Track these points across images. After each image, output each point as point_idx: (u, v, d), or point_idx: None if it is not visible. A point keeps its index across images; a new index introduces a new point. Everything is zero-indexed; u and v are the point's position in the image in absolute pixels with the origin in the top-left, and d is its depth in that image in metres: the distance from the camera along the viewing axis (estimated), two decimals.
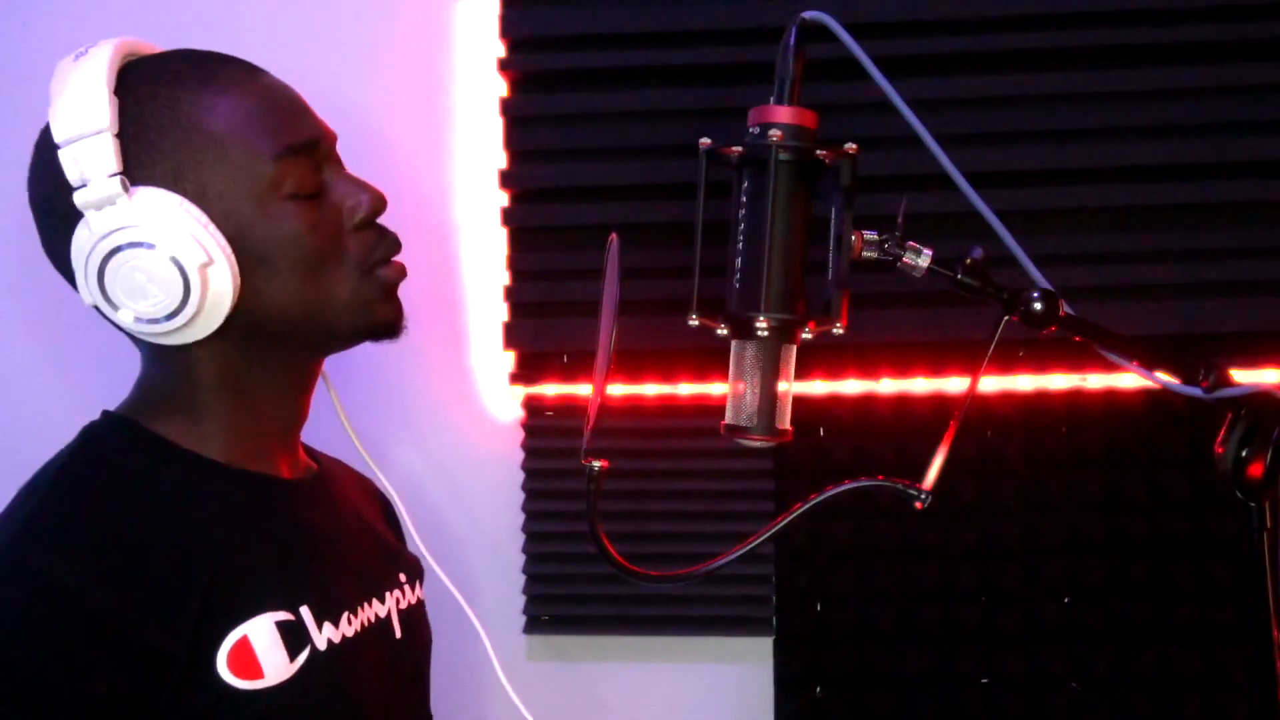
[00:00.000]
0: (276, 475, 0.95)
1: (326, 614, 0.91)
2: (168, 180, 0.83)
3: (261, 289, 0.87)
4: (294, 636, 0.87)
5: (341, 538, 1.00)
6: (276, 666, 0.84)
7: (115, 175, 0.81)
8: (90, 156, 0.81)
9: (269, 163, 0.86)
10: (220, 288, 0.84)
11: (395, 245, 0.94)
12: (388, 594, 1.02)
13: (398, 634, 1.01)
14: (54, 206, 0.85)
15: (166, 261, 0.82)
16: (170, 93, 0.85)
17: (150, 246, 0.82)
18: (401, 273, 0.94)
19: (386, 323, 0.94)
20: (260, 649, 0.84)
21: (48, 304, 1.51)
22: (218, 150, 0.85)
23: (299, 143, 0.88)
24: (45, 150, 0.84)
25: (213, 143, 0.85)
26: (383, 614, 1.00)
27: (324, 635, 0.89)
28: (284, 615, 0.87)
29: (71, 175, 0.81)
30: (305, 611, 0.89)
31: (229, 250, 0.84)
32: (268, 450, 0.94)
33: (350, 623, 0.93)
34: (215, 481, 0.89)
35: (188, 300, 0.83)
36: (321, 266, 0.89)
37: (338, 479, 1.07)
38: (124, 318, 0.84)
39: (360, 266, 0.91)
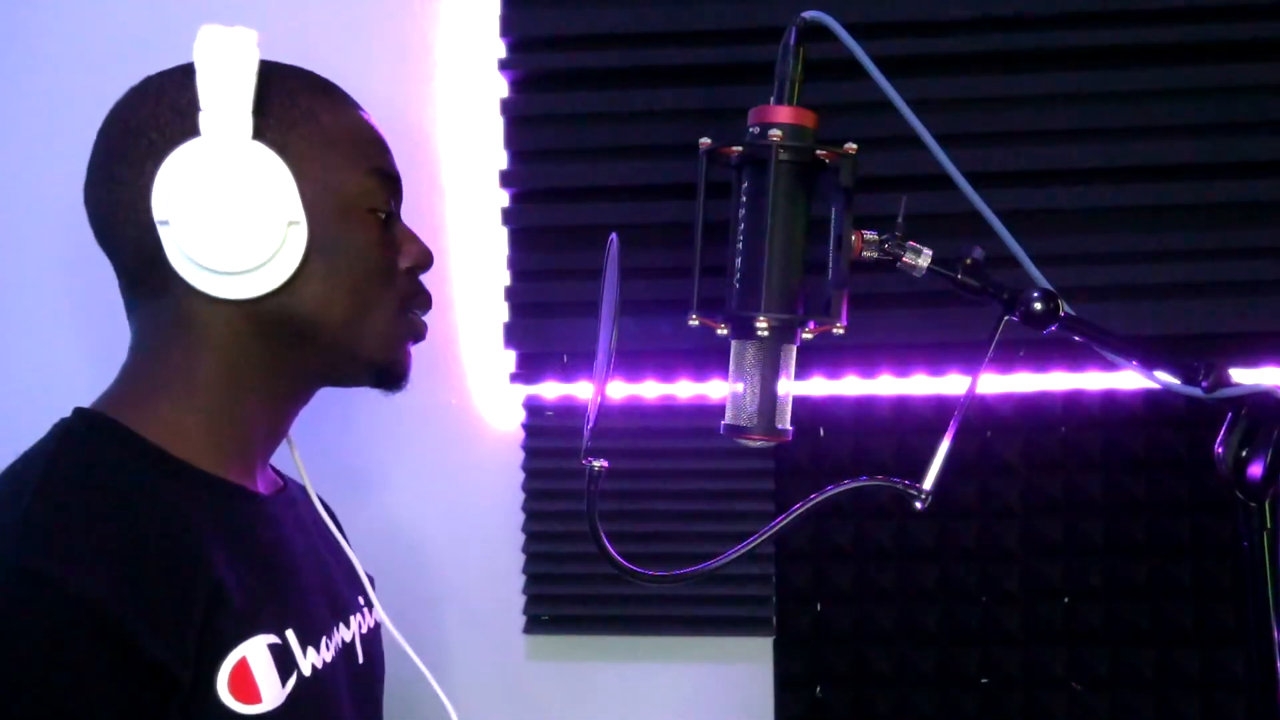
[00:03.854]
0: (255, 489, 0.93)
1: (308, 638, 0.89)
2: (275, 148, 0.86)
3: (313, 281, 0.87)
4: (283, 660, 0.85)
5: (313, 558, 0.98)
6: (272, 691, 0.82)
7: (246, 113, 0.84)
8: (229, 88, 0.83)
9: (362, 174, 0.90)
10: (292, 253, 0.85)
11: (429, 303, 0.97)
12: (352, 618, 1.00)
13: (360, 659, 1.00)
14: (150, 129, 0.86)
15: (262, 204, 0.84)
16: (295, 84, 0.90)
17: (251, 185, 0.84)
18: (425, 330, 0.97)
19: (399, 371, 0.95)
20: (258, 672, 0.81)
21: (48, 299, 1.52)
22: (324, 143, 0.88)
23: (388, 172, 0.93)
24: (158, 84, 0.88)
25: (322, 134, 0.88)
26: (348, 639, 0.98)
27: (308, 660, 0.88)
28: (273, 638, 0.84)
29: (205, 100, 0.83)
30: (291, 635, 0.86)
31: (306, 224, 0.86)
32: (248, 462, 0.92)
33: (327, 647, 0.92)
34: (202, 491, 0.86)
35: (262, 248, 0.84)
36: (374, 285, 0.91)
37: (301, 496, 1.04)
38: (190, 244, 0.83)
39: (401, 303, 0.94)
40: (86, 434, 0.85)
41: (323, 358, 0.92)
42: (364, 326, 0.91)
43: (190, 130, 0.84)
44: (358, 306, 0.90)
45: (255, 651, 0.82)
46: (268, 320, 0.87)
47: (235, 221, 0.83)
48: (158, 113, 0.86)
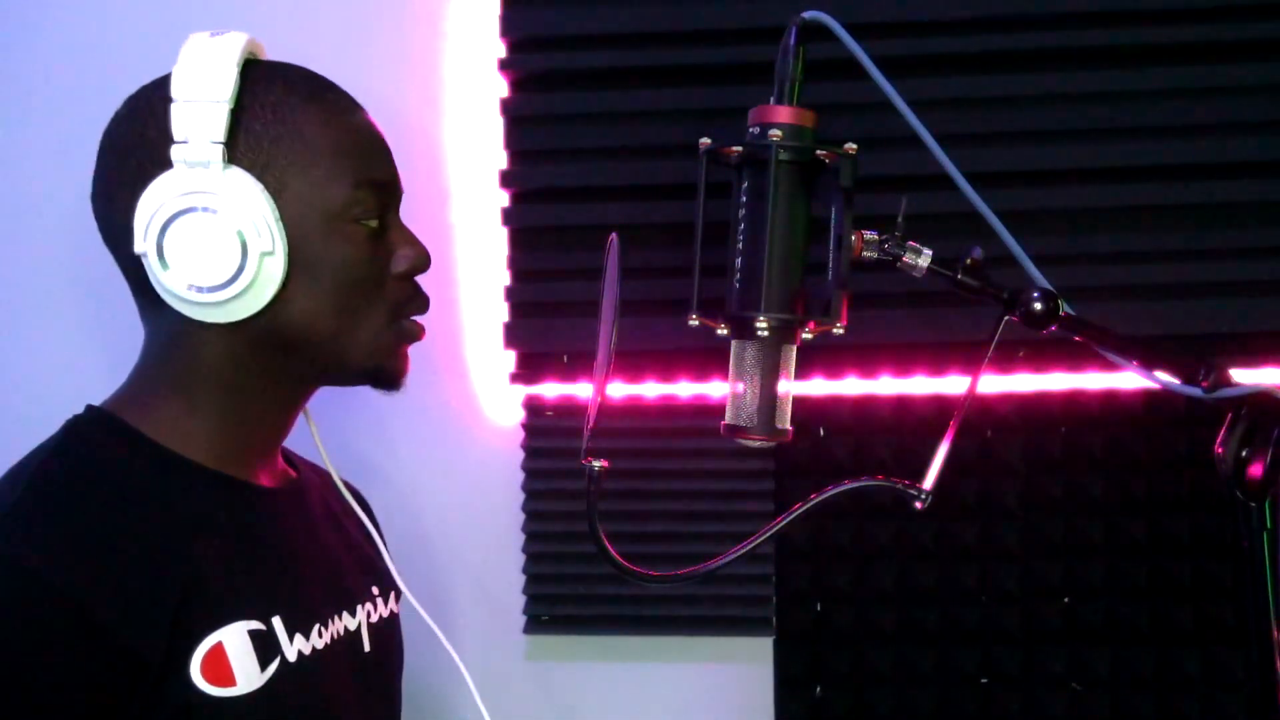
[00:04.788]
0: (256, 483, 0.95)
1: (297, 625, 0.91)
2: (255, 169, 0.86)
3: (298, 297, 0.88)
4: (265, 646, 0.87)
5: (316, 548, 1.00)
6: (248, 675, 0.85)
7: (218, 144, 0.84)
8: (201, 120, 0.83)
9: (348, 186, 0.90)
10: (268, 281, 0.86)
11: (425, 306, 0.97)
12: (359, 606, 1.01)
13: (366, 647, 1.01)
14: (138, 151, 0.86)
15: (233, 237, 0.84)
16: (283, 94, 0.89)
17: (223, 218, 0.84)
18: (421, 333, 0.97)
19: (392, 374, 0.96)
20: (234, 657, 0.84)
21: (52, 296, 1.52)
22: (307, 158, 0.88)
23: (378, 179, 0.93)
24: (149, 99, 0.88)
25: (306, 150, 0.88)
26: (353, 627, 1.00)
27: (294, 647, 0.90)
28: (256, 624, 0.87)
29: (177, 131, 0.83)
30: (277, 622, 0.89)
31: (285, 248, 0.86)
32: (250, 457, 0.94)
33: (320, 635, 0.94)
34: (196, 484, 0.89)
35: (236, 280, 0.85)
36: (360, 297, 0.91)
37: (316, 487, 1.06)
38: (168, 277, 0.85)
39: (391, 312, 0.94)
40: (89, 430, 0.89)
41: (315, 365, 0.94)
42: (351, 338, 0.92)
43: (161, 162, 0.84)
44: (343, 319, 0.91)
45: (233, 637, 0.85)
46: (257, 335, 0.89)
47: (207, 256, 0.84)
48: (144, 134, 0.87)
